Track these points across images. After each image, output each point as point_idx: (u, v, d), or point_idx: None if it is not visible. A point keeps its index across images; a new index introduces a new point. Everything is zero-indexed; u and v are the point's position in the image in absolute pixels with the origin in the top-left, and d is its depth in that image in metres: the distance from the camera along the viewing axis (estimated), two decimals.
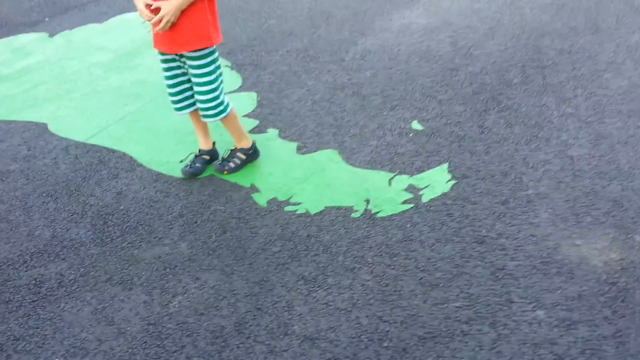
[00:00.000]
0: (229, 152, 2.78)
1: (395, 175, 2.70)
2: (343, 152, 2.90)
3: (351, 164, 2.80)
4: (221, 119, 2.61)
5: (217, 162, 2.76)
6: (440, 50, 4.03)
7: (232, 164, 2.72)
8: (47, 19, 5.16)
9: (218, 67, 2.52)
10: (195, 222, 2.44)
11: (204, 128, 2.77)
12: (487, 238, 2.28)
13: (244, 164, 2.76)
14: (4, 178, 2.80)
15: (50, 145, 3.08)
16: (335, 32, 4.49)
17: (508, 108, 3.23)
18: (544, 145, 2.84)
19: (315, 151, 2.92)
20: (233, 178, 2.72)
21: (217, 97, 2.52)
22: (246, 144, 2.77)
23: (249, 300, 2.04)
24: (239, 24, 4.75)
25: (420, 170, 2.74)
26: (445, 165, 2.75)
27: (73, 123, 3.30)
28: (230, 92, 3.58)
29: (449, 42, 4.16)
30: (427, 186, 2.61)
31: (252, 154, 2.79)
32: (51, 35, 4.76)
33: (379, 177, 2.70)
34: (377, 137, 3.02)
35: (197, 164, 2.73)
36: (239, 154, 2.75)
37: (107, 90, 3.71)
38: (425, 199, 2.53)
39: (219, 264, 2.21)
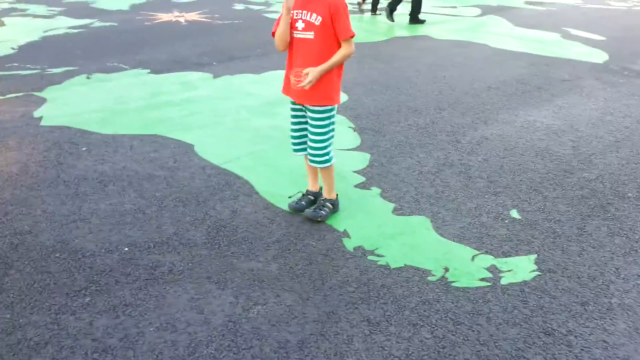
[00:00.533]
0: (319, 202, 3.10)
1: (480, 254, 2.82)
2: (435, 221, 3.09)
3: (440, 234, 2.98)
4: (322, 168, 2.98)
5: (309, 210, 3.04)
6: (560, 151, 4.09)
7: (323, 212, 3.03)
8: (215, 63, 6.09)
9: (332, 124, 2.96)
10: (289, 249, 2.76)
11: (315, 172, 3.16)
12: (556, 332, 2.30)
13: (331, 213, 3.07)
14: (150, 180, 3.40)
15: (192, 162, 3.66)
16: (459, 116, 4.75)
17: (615, 218, 3.20)
18: None
19: (409, 215, 3.15)
20: (329, 221, 3.03)
21: (324, 148, 2.93)
22: (334, 195, 3.11)
23: (316, 325, 2.28)
24: (371, 95, 5.22)
25: (506, 254, 2.82)
26: (534, 257, 2.81)
27: (214, 149, 3.89)
28: (347, 149, 3.97)
29: (570, 145, 4.20)
30: (509, 270, 2.69)
31: (336, 205, 3.12)
32: (215, 77, 5.61)
33: (464, 251, 2.83)
34: (472, 216, 3.16)
35: (303, 202, 3.10)
36: (328, 204, 3.07)
37: (247, 129, 4.30)
38: (504, 281, 2.61)
39: (299, 288, 2.49)
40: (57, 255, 2.65)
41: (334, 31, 2.76)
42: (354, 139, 4.18)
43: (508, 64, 6.44)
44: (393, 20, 8.55)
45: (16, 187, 3.26)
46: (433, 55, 6.79)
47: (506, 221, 3.13)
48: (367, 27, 8.29)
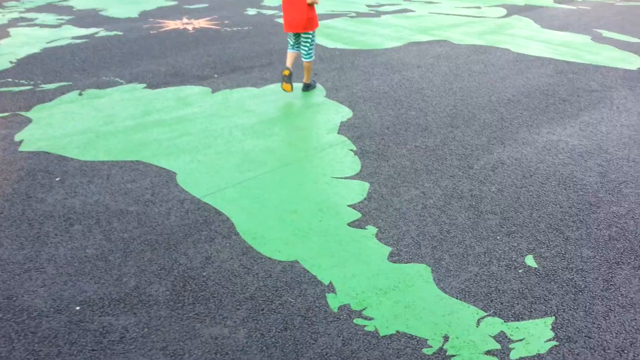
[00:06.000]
0: (304, 85, 5.36)
1: (487, 315, 2.40)
2: (437, 270, 2.68)
3: (441, 288, 2.57)
4: (308, 61, 5.17)
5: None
6: (585, 178, 3.62)
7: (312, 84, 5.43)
8: (216, 76, 5.77)
9: (314, 36, 5.20)
10: (262, 310, 2.40)
11: (293, 58, 5.17)
12: None
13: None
14: (121, 217, 3.08)
15: (171, 195, 3.33)
16: (473, 135, 4.30)
17: None
18: None
19: (407, 262, 2.75)
20: (314, 270, 2.66)
21: (311, 51, 5.16)
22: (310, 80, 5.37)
23: None
24: (378, 110, 4.81)
25: (518, 317, 2.40)
26: (550, 320, 2.38)
27: (197, 178, 3.56)
28: (344, 177, 3.58)
29: (597, 171, 3.72)
30: (521, 340, 2.27)
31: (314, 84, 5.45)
32: (213, 91, 5.29)
33: (468, 312, 2.42)
34: (480, 264, 2.74)
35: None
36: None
37: (237, 152, 3.96)
38: (514, 355, 2.20)
39: None
40: (0, 315, 2.35)
41: None
42: (353, 165, 3.79)
43: (532, 72, 5.93)
44: None
45: None
46: (450, 63, 6.32)
47: (520, 271, 2.70)
48: (381, 32, 7.85)
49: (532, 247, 2.89)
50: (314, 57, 5.25)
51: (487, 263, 2.75)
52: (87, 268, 2.65)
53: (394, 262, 2.75)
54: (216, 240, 2.89)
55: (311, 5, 4.97)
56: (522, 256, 2.81)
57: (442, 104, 4.98)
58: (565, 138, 4.25)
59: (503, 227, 3.06)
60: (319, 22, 8.34)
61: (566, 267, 2.73)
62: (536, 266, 2.73)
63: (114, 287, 2.52)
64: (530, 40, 7.39)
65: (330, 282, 2.59)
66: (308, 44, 5.12)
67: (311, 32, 5.10)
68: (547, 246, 2.90)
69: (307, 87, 5.34)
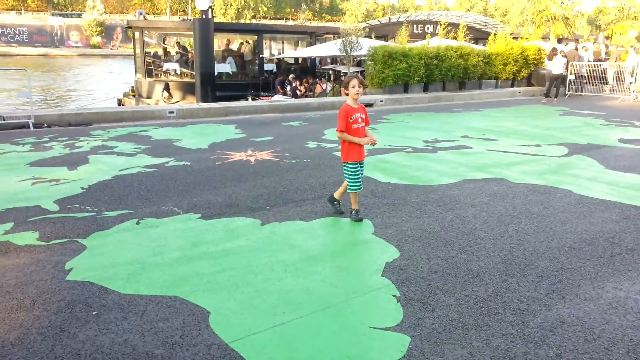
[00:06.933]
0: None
1: None
2: None
3: None
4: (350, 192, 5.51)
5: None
6: None
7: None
8: (268, 208, 5.89)
9: (348, 171, 5.49)
10: None
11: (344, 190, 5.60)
12: None
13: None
14: None
15: (199, 338, 3.22)
16: (530, 286, 3.98)
17: None
18: None
19: None
20: None
21: (349, 181, 5.47)
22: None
23: None
24: (426, 251, 4.62)
25: None
26: None
27: (230, 319, 3.44)
28: (382, 329, 3.33)
29: None
30: None
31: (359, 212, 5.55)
32: (263, 223, 5.35)
33: None
34: None
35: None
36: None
37: (276, 292, 3.85)
38: None
39: None
40: None
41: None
42: (395, 313, 3.55)
43: (595, 217, 5.61)
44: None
45: None
46: (506, 202, 6.14)
47: None
48: (436, 167, 7.89)
49: None
50: (358, 189, 5.44)
51: None
52: None
53: None
54: None
55: (340, 138, 5.38)
56: None
57: (497, 248, 4.73)
58: (635, 295, 3.83)
59: None
60: (375, 157, 8.56)
61: None
62: None
63: None
64: (594, 181, 7.12)
65: None
66: (345, 174, 5.48)
67: (343, 163, 5.46)
68: None
69: (357, 214, 5.48)
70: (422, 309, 3.62)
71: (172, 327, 3.34)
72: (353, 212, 5.48)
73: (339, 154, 9.02)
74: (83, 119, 12.94)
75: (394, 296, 3.80)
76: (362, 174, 5.50)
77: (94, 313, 3.51)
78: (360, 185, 5.43)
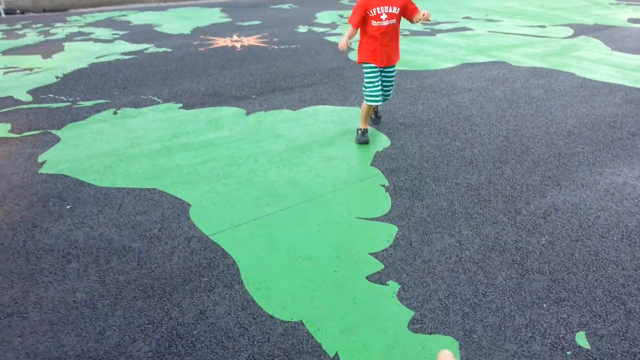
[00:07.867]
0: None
1: None
2: (466, 347, 2.26)
3: None
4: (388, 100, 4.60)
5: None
6: None
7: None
8: (253, 96, 5.56)
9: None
10: None
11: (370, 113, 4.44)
12: None
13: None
14: (121, 256, 2.86)
15: (179, 232, 3.09)
16: (525, 173, 3.81)
17: None
18: None
19: (431, 333, 2.34)
20: (320, 336, 2.30)
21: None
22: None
23: None
24: (419, 140, 4.40)
25: None
26: None
27: (210, 212, 3.30)
28: (369, 219, 3.20)
29: None
30: None
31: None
32: (248, 113, 5.07)
33: None
34: (519, 340, 2.29)
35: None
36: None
37: (260, 183, 3.68)
38: None
39: None
40: None
41: (407, 13, 4.11)
42: (383, 203, 3.41)
43: (597, 100, 5.32)
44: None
45: None
46: (506, 87, 5.81)
47: (568, 353, 2.23)
48: (434, 51, 7.42)
49: (586, 320, 2.40)
50: (372, 102, 4.27)
51: (529, 340, 2.29)
52: (72, 316, 2.42)
53: (415, 331, 2.35)
54: (216, 289, 2.60)
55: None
56: (573, 332, 2.33)
57: (492, 135, 4.51)
58: (633, 181, 3.68)
59: (551, 292, 2.59)
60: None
61: (626, 351, 2.23)
62: (589, 347, 2.25)
63: (94, 343, 2.27)
64: (599, 63, 6.73)
65: (337, 354, 2.22)
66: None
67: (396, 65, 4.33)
68: (605, 320, 2.40)
69: (362, 135, 4.36)
70: (411, 198, 3.47)
71: (150, 220, 3.20)
72: (359, 131, 4.37)
73: (331, 38, 8.49)
74: (58, 4, 12.08)
75: (383, 186, 3.64)
76: (385, 84, 4.25)
77: (68, 207, 3.36)
78: (375, 97, 4.19)
